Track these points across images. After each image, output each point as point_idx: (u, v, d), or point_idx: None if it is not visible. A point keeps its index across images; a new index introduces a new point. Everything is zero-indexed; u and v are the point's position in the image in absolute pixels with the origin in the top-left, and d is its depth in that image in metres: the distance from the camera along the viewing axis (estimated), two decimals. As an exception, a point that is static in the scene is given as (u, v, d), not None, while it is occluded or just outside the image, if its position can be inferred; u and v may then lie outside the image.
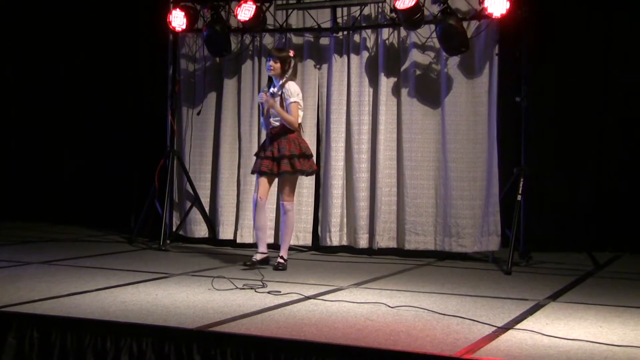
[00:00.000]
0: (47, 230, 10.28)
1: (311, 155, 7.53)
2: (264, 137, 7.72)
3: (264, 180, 7.37)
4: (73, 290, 6.14)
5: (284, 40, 8.99)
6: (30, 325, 5.13)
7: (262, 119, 7.64)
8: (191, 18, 9.10)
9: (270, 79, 7.55)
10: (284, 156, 7.27)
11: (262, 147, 7.57)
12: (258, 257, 7.40)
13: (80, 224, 10.76)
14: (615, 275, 7.43)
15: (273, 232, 8.66)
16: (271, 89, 7.43)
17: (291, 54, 7.47)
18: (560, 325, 5.13)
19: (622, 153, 8.87)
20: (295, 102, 7.34)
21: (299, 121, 7.44)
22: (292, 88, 7.37)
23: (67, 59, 11.40)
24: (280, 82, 7.37)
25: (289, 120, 7.32)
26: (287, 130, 7.35)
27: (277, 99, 7.34)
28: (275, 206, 8.67)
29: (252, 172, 7.61)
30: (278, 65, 7.36)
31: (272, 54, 7.44)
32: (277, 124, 7.38)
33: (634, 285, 6.88)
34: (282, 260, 7.37)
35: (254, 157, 7.73)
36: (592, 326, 5.14)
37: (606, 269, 7.75)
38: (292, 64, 7.43)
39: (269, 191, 7.53)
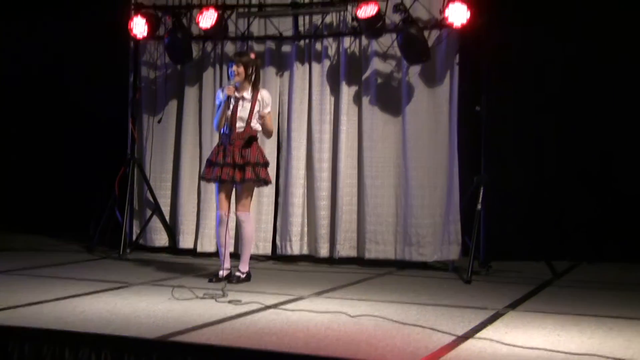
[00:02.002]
0: (4, 239, 10.13)
1: (269, 165, 7.39)
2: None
3: (224, 195, 7.14)
4: (31, 300, 6.07)
5: (245, 47, 8.97)
6: (-14, 336, 5.07)
7: (217, 118, 7.20)
8: (152, 25, 9.05)
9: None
10: (249, 163, 7.04)
11: (217, 152, 7.18)
12: (223, 273, 7.20)
13: (38, 233, 10.63)
14: (573, 284, 7.50)
15: (233, 241, 8.60)
16: (235, 93, 7.13)
17: (252, 56, 7.35)
18: (519, 334, 5.17)
19: (581, 162, 8.95)
20: (271, 112, 7.26)
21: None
22: (267, 96, 7.21)
23: (24, 64, 11.27)
24: (251, 88, 7.14)
25: (269, 128, 7.21)
26: (252, 137, 7.12)
27: (248, 105, 7.12)
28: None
29: (208, 180, 7.26)
30: (242, 69, 7.11)
31: (235, 59, 7.19)
32: (243, 129, 7.10)
33: (591, 294, 6.95)
34: (239, 274, 7.21)
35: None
36: (550, 334, 5.18)
37: (564, 278, 7.82)
38: (254, 68, 7.21)
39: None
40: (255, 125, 7.17)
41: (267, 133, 7.31)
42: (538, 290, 7.07)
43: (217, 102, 7.30)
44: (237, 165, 7.07)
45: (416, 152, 8.36)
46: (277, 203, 8.89)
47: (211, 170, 7.18)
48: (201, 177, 7.48)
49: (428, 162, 8.33)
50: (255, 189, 7.59)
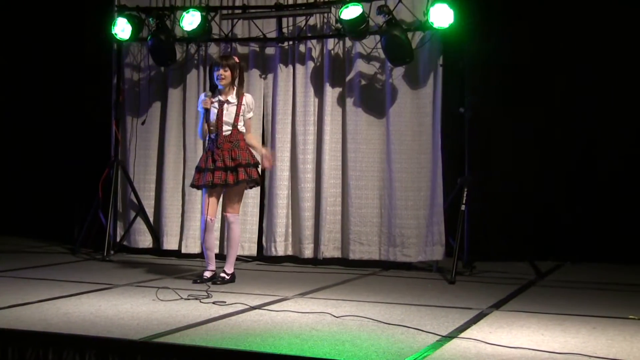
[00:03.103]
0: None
1: (259, 165, 7.44)
2: (208, 147, 7.54)
3: (212, 199, 7.14)
4: (14, 302, 6.06)
5: (229, 49, 8.97)
6: (-30, 338, 5.05)
7: (200, 127, 7.30)
8: (136, 27, 9.01)
9: (213, 88, 7.30)
10: (241, 165, 7.04)
11: (206, 159, 7.18)
12: (208, 274, 7.22)
13: (21, 235, 10.59)
14: (556, 284, 7.53)
15: (218, 242, 8.60)
16: (218, 97, 7.17)
17: (237, 60, 7.35)
18: (503, 334, 5.19)
19: (564, 163, 8.99)
20: (251, 117, 7.30)
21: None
22: (251, 101, 7.24)
23: (6, 67, 11.23)
24: (236, 91, 7.18)
25: (247, 132, 7.24)
26: (239, 139, 7.14)
27: (233, 109, 7.13)
28: (220, 215, 8.59)
29: (199, 187, 7.25)
30: (228, 73, 7.12)
31: (220, 63, 7.18)
32: (230, 132, 7.11)
33: (575, 294, 6.98)
34: (224, 275, 7.19)
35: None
36: (534, 334, 5.20)
37: (548, 278, 7.85)
38: (239, 71, 7.25)
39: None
40: (242, 128, 7.19)
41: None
42: (522, 290, 7.10)
43: (199, 109, 7.33)
44: (228, 168, 7.07)
45: (400, 153, 8.37)
46: (262, 204, 8.89)
47: (201, 177, 7.17)
48: (191, 185, 7.41)
49: (412, 164, 8.34)
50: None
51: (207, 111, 7.19)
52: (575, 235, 8.84)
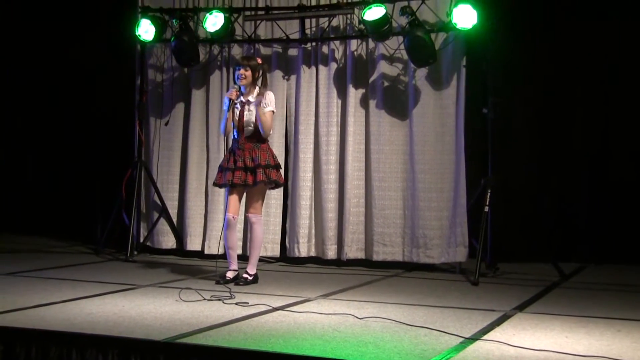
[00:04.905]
0: (10, 241, 10.16)
1: (281, 167, 7.45)
2: (232, 147, 7.57)
3: (234, 198, 7.17)
4: (38, 302, 6.09)
5: (252, 50, 8.99)
6: (-6, 338, 5.08)
7: (223, 123, 7.27)
8: (159, 28, 9.05)
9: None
10: (260, 166, 7.06)
11: (228, 158, 7.23)
12: (230, 275, 7.23)
13: (45, 235, 10.66)
14: (580, 285, 7.49)
15: (241, 243, 8.60)
16: (240, 98, 7.19)
17: (259, 61, 7.37)
18: (527, 336, 5.16)
19: (589, 164, 8.93)
20: (272, 110, 7.17)
21: (270, 132, 7.33)
22: (272, 97, 7.19)
23: (33, 68, 11.30)
24: (257, 92, 7.18)
25: (267, 126, 7.08)
26: (260, 139, 7.14)
27: (254, 109, 7.11)
28: (243, 216, 8.61)
29: (220, 186, 7.33)
30: (249, 73, 7.15)
31: (242, 63, 7.22)
32: (251, 133, 7.12)
33: (599, 296, 6.94)
34: (247, 276, 7.21)
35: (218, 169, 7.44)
36: (558, 336, 5.17)
37: (572, 280, 7.80)
38: (261, 72, 7.26)
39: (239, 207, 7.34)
40: None
41: (263, 127, 7.11)
42: (545, 292, 7.06)
43: (224, 107, 7.33)
44: (248, 169, 7.09)
45: (423, 155, 8.35)
46: (285, 205, 8.89)
47: (222, 176, 7.23)
48: (213, 184, 7.48)
49: (435, 165, 8.32)
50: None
51: (231, 106, 7.16)
52: (598, 236, 8.79)
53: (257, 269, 7.33)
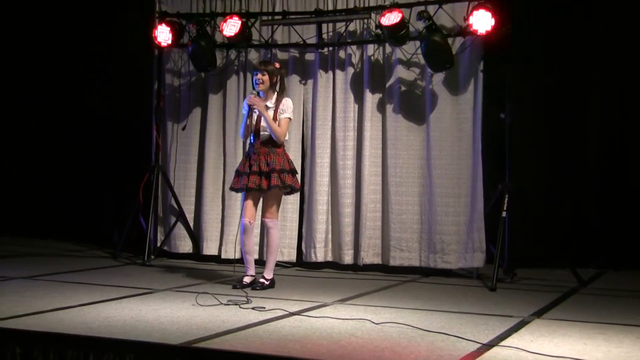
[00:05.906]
0: (27, 245, 10.20)
1: (297, 172, 7.45)
2: (248, 152, 7.57)
3: (250, 203, 7.16)
4: (56, 306, 6.11)
5: (269, 55, 9.00)
6: (12, 341, 5.09)
7: (242, 127, 7.26)
8: (177, 33, 9.09)
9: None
10: (274, 170, 7.06)
11: (244, 162, 7.25)
12: (247, 279, 7.22)
13: (63, 239, 10.69)
14: (599, 292, 7.45)
15: (258, 247, 8.60)
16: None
17: (277, 66, 7.39)
18: (545, 342, 5.14)
19: (607, 170, 8.90)
20: (288, 117, 7.19)
21: (286, 137, 7.35)
22: (289, 104, 7.21)
23: (52, 74, 11.35)
24: (276, 97, 7.19)
25: (278, 132, 7.09)
26: (275, 144, 7.15)
27: (271, 113, 7.13)
28: (259, 221, 8.60)
29: (237, 190, 7.30)
30: (267, 77, 7.16)
31: (259, 68, 7.23)
32: (267, 138, 7.14)
33: (617, 303, 6.90)
34: (263, 281, 7.20)
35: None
36: (576, 343, 5.14)
37: (590, 286, 7.76)
38: (279, 77, 7.27)
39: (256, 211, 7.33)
40: None
41: (274, 133, 7.12)
42: (564, 298, 7.03)
43: (243, 112, 7.32)
44: (263, 173, 7.09)
45: (440, 159, 8.34)
46: (302, 210, 8.89)
47: (238, 180, 7.24)
48: (230, 188, 7.48)
49: (452, 170, 8.31)
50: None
51: (250, 111, 7.17)
52: (617, 242, 8.75)
53: (273, 274, 7.33)
